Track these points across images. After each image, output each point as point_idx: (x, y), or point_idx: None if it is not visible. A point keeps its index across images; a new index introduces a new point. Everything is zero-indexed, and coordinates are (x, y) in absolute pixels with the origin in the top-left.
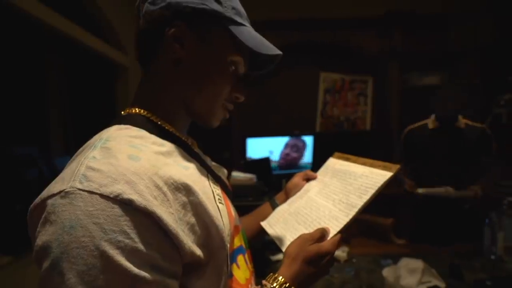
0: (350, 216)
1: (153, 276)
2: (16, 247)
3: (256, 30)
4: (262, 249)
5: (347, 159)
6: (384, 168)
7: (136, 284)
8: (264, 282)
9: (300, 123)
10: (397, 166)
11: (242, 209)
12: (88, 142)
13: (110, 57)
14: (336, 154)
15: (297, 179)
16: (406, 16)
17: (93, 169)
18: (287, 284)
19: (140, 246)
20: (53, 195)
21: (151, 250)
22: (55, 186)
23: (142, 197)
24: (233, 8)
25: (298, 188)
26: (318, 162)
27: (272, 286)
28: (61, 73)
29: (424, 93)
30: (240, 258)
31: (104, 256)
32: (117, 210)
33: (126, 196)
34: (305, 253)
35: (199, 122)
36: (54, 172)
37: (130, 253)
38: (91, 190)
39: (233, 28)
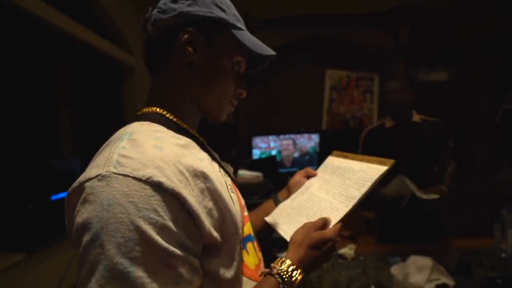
0: (350, 207)
1: (179, 252)
2: (28, 244)
3: (262, 28)
4: (269, 246)
5: (345, 157)
6: (380, 163)
7: (165, 257)
8: (272, 265)
9: (306, 121)
10: (392, 161)
11: (249, 207)
12: (113, 136)
13: (116, 58)
14: (335, 152)
15: (298, 176)
16: (412, 12)
17: (124, 156)
18: (294, 267)
19: (169, 223)
20: (90, 178)
21: (177, 228)
22: (91, 171)
23: (169, 180)
24: (234, 15)
25: (299, 185)
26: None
27: (280, 268)
28: (70, 74)
29: (431, 89)
30: (250, 246)
31: (139, 231)
32: (148, 190)
33: (156, 178)
34: (309, 239)
35: (208, 118)
36: (63, 171)
37: (160, 229)
38: (125, 173)
39: (236, 32)
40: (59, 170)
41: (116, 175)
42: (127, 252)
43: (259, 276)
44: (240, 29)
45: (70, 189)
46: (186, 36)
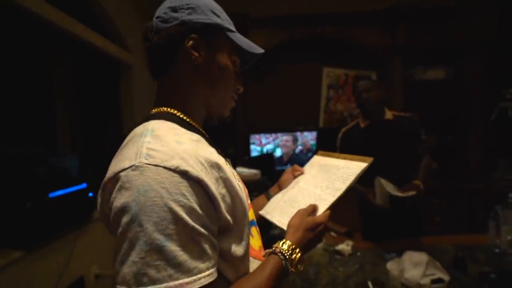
0: (337, 196)
1: (203, 231)
2: (28, 242)
3: (259, 26)
4: (268, 242)
5: (329, 156)
6: (360, 160)
7: (192, 234)
8: (275, 246)
9: (303, 119)
10: (371, 158)
11: None
12: (134, 133)
13: (114, 56)
14: (320, 152)
15: (287, 175)
16: (410, 10)
17: (152, 149)
18: (294, 246)
19: (195, 205)
20: (124, 169)
21: (201, 210)
22: (124, 162)
23: (194, 169)
24: (227, 20)
25: (289, 181)
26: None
27: (282, 248)
28: (68, 72)
29: (428, 88)
30: (253, 229)
31: (172, 211)
32: (177, 178)
33: (183, 167)
34: (305, 223)
35: (214, 114)
36: (62, 170)
37: (188, 210)
38: (156, 164)
39: (230, 35)
40: (58, 168)
41: (148, 165)
42: (162, 229)
43: (263, 256)
44: (233, 31)
45: (105, 179)
46: (191, 42)
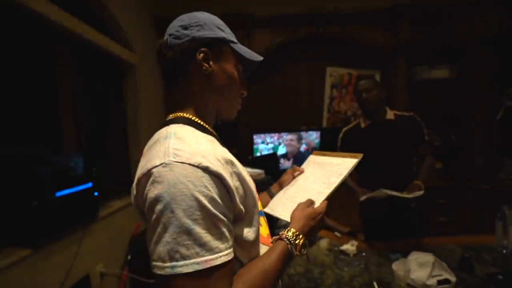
0: (332, 189)
1: (222, 217)
2: (35, 240)
3: (262, 26)
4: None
5: (323, 155)
6: (352, 157)
7: (214, 220)
8: (281, 233)
9: (306, 118)
10: (361, 154)
11: None
12: (158, 136)
13: (118, 56)
14: (315, 152)
15: (287, 175)
16: (413, 9)
17: (178, 149)
18: (297, 233)
19: (215, 196)
20: (156, 166)
21: (220, 200)
22: (155, 161)
23: (213, 165)
24: (230, 33)
25: (289, 181)
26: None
27: (287, 234)
28: (72, 72)
29: (433, 87)
30: (261, 219)
31: (197, 200)
32: (200, 173)
33: (204, 164)
34: (306, 213)
35: (224, 116)
36: (67, 169)
37: (210, 200)
38: (182, 161)
39: (234, 46)
40: (63, 167)
41: (176, 163)
42: (190, 215)
43: (271, 242)
44: (236, 42)
45: (139, 175)
46: (201, 55)
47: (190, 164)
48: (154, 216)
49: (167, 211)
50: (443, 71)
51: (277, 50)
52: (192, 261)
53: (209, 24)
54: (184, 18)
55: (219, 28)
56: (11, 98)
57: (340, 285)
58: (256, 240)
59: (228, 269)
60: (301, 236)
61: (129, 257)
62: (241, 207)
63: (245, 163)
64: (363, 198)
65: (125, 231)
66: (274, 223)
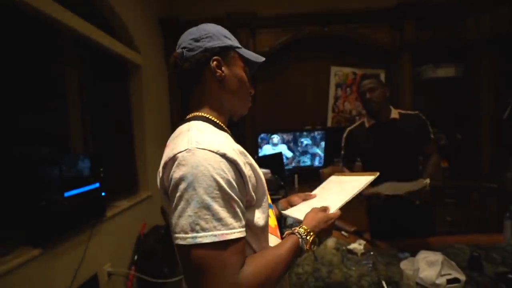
0: (347, 198)
1: (237, 199)
2: (45, 240)
3: (267, 26)
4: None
5: (343, 175)
6: (369, 174)
7: (229, 200)
8: (293, 228)
9: (311, 118)
10: (378, 172)
11: None
12: (181, 130)
13: (124, 56)
14: (335, 174)
15: (297, 197)
16: (418, 7)
17: (199, 139)
18: (309, 230)
19: (231, 179)
20: (181, 151)
21: (235, 183)
22: (179, 147)
23: (229, 153)
24: (235, 39)
25: (298, 201)
26: (330, 158)
27: (299, 230)
28: (80, 74)
29: (439, 86)
30: (270, 211)
31: (216, 181)
32: (218, 158)
33: (222, 151)
34: (319, 216)
35: (237, 114)
36: (75, 170)
37: (226, 181)
38: (203, 147)
39: (240, 50)
40: (71, 168)
41: (198, 149)
42: (209, 193)
43: (283, 237)
44: (240, 47)
45: (165, 159)
46: (215, 63)
47: (209, 150)
48: (178, 194)
49: (190, 189)
50: (449, 70)
51: (282, 49)
52: (210, 233)
53: (217, 34)
54: (194, 31)
55: (226, 37)
56: (20, 99)
57: (348, 284)
58: (266, 226)
59: (241, 245)
60: (312, 234)
61: (135, 257)
62: (253, 194)
63: None
64: (367, 192)
65: (132, 231)
66: (282, 223)
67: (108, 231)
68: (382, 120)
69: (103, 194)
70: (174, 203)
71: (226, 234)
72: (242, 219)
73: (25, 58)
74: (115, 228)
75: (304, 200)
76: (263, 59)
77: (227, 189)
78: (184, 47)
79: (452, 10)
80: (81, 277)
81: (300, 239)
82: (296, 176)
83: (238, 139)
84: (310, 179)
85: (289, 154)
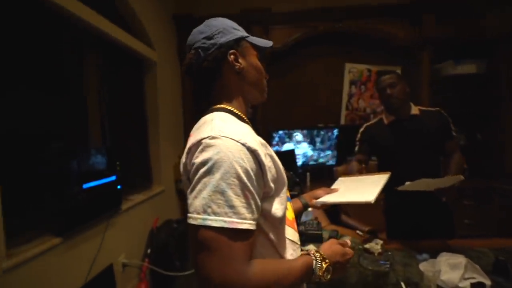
0: (380, 187)
1: (252, 189)
2: (65, 230)
3: (281, 22)
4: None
5: (351, 176)
6: (382, 173)
7: (244, 189)
8: (310, 250)
9: (324, 115)
10: (389, 172)
11: None
12: (205, 119)
13: (140, 53)
14: (342, 176)
15: (321, 190)
16: (439, 1)
17: (222, 127)
18: (324, 257)
19: (249, 169)
20: (204, 138)
21: (253, 173)
22: (203, 134)
23: (250, 142)
24: (242, 29)
25: (322, 194)
26: (343, 155)
27: (315, 254)
28: (98, 71)
29: (458, 83)
30: (288, 204)
31: (234, 168)
32: (239, 146)
33: (243, 140)
34: (336, 247)
35: (258, 101)
36: (93, 163)
37: (244, 170)
38: (226, 135)
39: (249, 39)
40: (89, 161)
41: (220, 136)
42: (226, 179)
43: (301, 255)
44: (248, 36)
45: (190, 145)
46: (232, 56)
47: (231, 139)
48: (197, 176)
49: (209, 173)
50: (470, 67)
51: (294, 45)
52: (220, 218)
53: (227, 27)
54: (205, 29)
55: (235, 29)
56: (43, 96)
57: (365, 284)
58: (283, 218)
59: (250, 239)
60: (327, 261)
61: (148, 250)
62: (271, 185)
63: None
64: (401, 188)
65: (145, 224)
66: (298, 219)
67: (123, 223)
68: (402, 116)
69: (119, 187)
70: (192, 185)
71: (236, 222)
72: (255, 212)
73: (47, 56)
74: (129, 221)
75: (328, 194)
76: (271, 43)
77: (244, 178)
78: (198, 47)
79: (476, 3)
80: (97, 266)
81: (314, 261)
82: (308, 174)
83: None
84: (322, 177)
85: (309, 152)
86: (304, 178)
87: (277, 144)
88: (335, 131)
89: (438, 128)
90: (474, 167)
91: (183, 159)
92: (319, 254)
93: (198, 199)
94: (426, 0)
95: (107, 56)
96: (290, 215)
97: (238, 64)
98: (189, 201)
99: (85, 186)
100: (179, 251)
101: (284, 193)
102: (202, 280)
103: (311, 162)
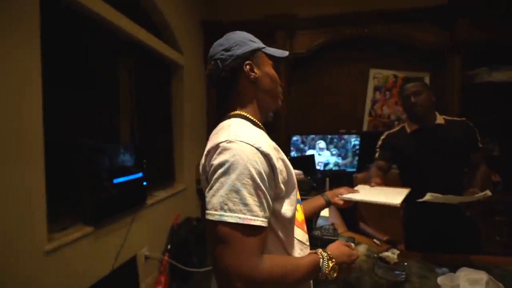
0: (405, 194)
1: (264, 190)
2: (96, 220)
3: (307, 27)
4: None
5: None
6: (403, 188)
7: (257, 189)
8: (318, 250)
9: (347, 121)
10: (409, 188)
11: None
12: (223, 125)
13: (169, 57)
14: (361, 184)
15: (343, 189)
16: (473, 4)
17: (238, 132)
18: (331, 256)
19: (262, 171)
20: (222, 142)
21: (265, 175)
22: (221, 138)
23: (264, 147)
24: (258, 40)
25: (345, 193)
26: (364, 162)
27: (322, 253)
28: (130, 73)
29: (493, 91)
30: (298, 206)
31: (248, 169)
32: (254, 150)
33: (257, 145)
34: (343, 248)
35: (272, 109)
36: (122, 160)
37: (257, 172)
38: (241, 140)
39: (265, 50)
40: (119, 158)
41: (236, 141)
42: (241, 179)
43: (308, 254)
44: (264, 47)
45: (209, 148)
46: (248, 67)
47: (246, 143)
48: (215, 176)
49: (225, 174)
50: (506, 74)
51: (319, 50)
52: (235, 214)
53: (244, 40)
54: (224, 42)
55: (251, 41)
56: (82, 98)
57: None
58: (293, 218)
59: (262, 234)
60: (334, 260)
61: (169, 245)
62: (282, 186)
63: None
64: (425, 199)
65: (167, 220)
66: (312, 225)
67: (147, 217)
68: (426, 125)
69: (144, 183)
70: (210, 184)
71: (249, 219)
72: (267, 210)
73: (87, 62)
74: (153, 215)
75: (350, 193)
76: (287, 53)
77: (257, 179)
78: (217, 59)
79: (511, 8)
80: (123, 256)
81: (321, 259)
82: (327, 179)
83: (272, 139)
84: (341, 183)
85: (330, 158)
86: (323, 183)
87: (297, 149)
88: (357, 138)
89: (463, 138)
90: (509, 180)
91: (202, 160)
92: (326, 254)
93: (215, 197)
94: (461, 4)
95: (138, 59)
96: (300, 216)
97: (253, 73)
98: (207, 199)
99: (115, 181)
100: (197, 248)
101: (294, 195)
102: (218, 271)
103: (331, 168)
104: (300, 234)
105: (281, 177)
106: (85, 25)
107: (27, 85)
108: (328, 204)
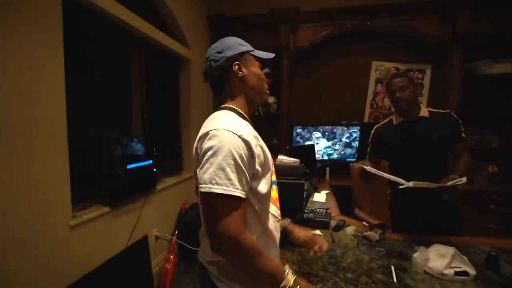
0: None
1: (244, 170)
2: (112, 201)
3: (309, 20)
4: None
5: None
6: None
7: (238, 169)
8: (288, 269)
9: (348, 113)
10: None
11: (282, 186)
12: (213, 116)
13: (177, 52)
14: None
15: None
16: None
17: (225, 122)
18: (296, 277)
19: (243, 154)
20: (211, 130)
21: (246, 158)
22: (211, 127)
23: (245, 135)
24: (248, 45)
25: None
26: (364, 153)
27: (290, 276)
28: (141, 68)
29: (495, 83)
30: (274, 186)
31: (231, 152)
32: (236, 137)
33: (239, 133)
34: (311, 286)
35: (258, 103)
36: (135, 148)
37: (239, 155)
38: (227, 129)
39: (252, 52)
40: (131, 147)
41: (223, 130)
42: (226, 160)
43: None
44: (253, 50)
45: (201, 134)
46: (236, 66)
47: (231, 132)
48: (205, 158)
49: (214, 155)
50: (507, 66)
51: (322, 43)
52: (221, 187)
53: (234, 44)
54: (217, 46)
55: (240, 45)
56: (97, 90)
57: (359, 264)
58: (267, 195)
59: (241, 204)
60: (295, 276)
61: (177, 228)
62: (259, 168)
63: (283, 152)
64: (406, 185)
65: (176, 204)
66: (303, 207)
67: (157, 201)
68: (411, 118)
69: (154, 170)
70: (201, 164)
71: (232, 191)
72: (245, 185)
73: (103, 58)
74: (162, 200)
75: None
76: (272, 55)
77: (239, 160)
78: (211, 60)
79: None
80: (135, 235)
81: (287, 270)
82: (327, 169)
83: (273, 130)
84: (340, 172)
85: (330, 148)
86: (324, 172)
87: (298, 138)
88: (357, 129)
89: (446, 129)
90: (507, 171)
91: (195, 144)
92: (294, 278)
93: (206, 174)
94: None
95: (148, 54)
96: (274, 195)
97: (241, 72)
98: (199, 175)
99: (129, 167)
100: None
101: (269, 176)
102: (208, 232)
103: (332, 157)
104: (274, 209)
105: (258, 160)
106: (101, 25)
107: (52, 81)
108: (284, 230)
